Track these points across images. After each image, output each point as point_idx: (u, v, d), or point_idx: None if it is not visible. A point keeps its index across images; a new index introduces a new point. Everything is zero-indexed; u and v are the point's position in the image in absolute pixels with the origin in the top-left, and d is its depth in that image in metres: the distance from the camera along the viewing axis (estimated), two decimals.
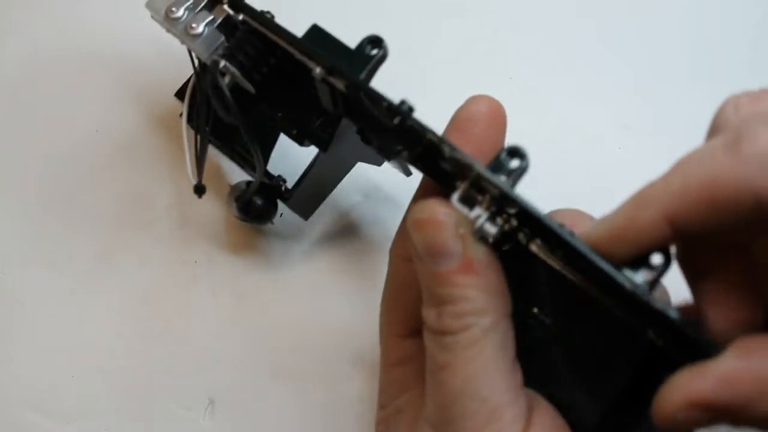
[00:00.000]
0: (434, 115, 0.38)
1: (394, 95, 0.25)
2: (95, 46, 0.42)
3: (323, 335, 0.36)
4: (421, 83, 0.41)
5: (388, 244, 0.28)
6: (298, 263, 0.37)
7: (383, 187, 0.39)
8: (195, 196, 0.35)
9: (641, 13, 0.43)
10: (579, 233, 0.22)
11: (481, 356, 0.23)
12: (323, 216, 0.38)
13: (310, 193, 0.35)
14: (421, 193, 0.27)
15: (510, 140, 0.25)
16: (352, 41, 0.27)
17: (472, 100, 0.25)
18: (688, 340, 0.20)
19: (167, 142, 0.40)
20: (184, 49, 0.32)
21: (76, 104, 0.41)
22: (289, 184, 0.35)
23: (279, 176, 0.35)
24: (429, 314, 0.24)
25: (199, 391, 0.35)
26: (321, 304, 0.37)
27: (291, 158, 0.36)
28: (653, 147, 0.40)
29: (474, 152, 0.23)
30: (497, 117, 0.25)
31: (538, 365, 0.24)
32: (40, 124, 0.41)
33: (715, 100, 0.39)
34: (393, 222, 0.37)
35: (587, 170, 0.39)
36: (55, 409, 0.35)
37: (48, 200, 0.39)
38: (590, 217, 0.25)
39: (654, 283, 0.21)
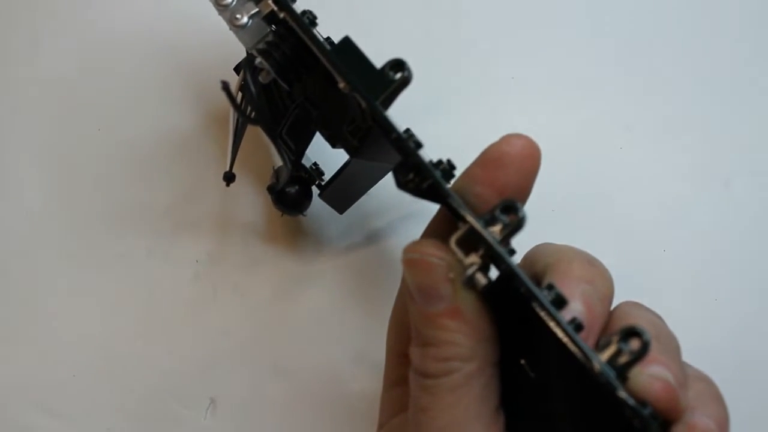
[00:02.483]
0: (437, 117, 0.38)
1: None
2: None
3: (325, 333, 0.36)
4: (422, 83, 0.40)
5: (398, 250, 0.27)
6: (300, 262, 0.37)
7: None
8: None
9: (642, 12, 0.42)
10: None
11: (462, 403, 0.22)
12: (330, 215, 0.37)
13: (344, 191, 0.35)
14: (434, 225, 0.26)
15: None
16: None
17: (507, 140, 0.23)
18: None
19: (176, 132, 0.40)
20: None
21: (80, 102, 0.41)
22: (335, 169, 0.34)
23: (315, 168, 0.35)
24: (414, 353, 0.24)
25: (200, 391, 0.35)
26: (322, 303, 0.36)
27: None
28: (654, 147, 0.39)
29: (495, 197, 0.23)
30: (529, 162, 0.23)
31: (527, 410, 0.24)
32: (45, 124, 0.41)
33: (716, 100, 0.40)
34: (403, 229, 0.37)
35: (588, 170, 0.38)
36: (57, 408, 0.35)
37: (50, 199, 0.39)
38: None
39: (629, 365, 0.20)
